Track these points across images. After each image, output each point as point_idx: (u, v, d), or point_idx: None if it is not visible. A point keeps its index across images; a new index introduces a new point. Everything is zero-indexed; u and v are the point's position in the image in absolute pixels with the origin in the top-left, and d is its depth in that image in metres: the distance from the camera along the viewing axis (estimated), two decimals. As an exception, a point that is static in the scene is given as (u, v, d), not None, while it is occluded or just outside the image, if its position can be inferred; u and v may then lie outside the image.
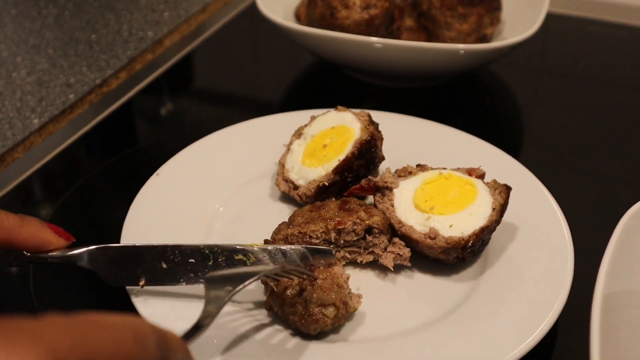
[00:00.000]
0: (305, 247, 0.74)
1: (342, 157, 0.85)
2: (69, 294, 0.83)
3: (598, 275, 0.66)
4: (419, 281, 0.79)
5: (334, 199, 0.83)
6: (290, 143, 0.91)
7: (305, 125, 0.93)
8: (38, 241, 0.67)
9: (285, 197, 0.91)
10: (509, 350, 0.68)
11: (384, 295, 0.77)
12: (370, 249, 0.79)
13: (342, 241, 0.78)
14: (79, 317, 0.39)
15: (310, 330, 0.70)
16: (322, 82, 1.27)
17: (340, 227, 0.77)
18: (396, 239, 0.78)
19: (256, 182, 0.93)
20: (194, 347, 0.57)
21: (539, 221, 0.83)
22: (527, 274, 0.77)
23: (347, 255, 0.79)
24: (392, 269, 0.78)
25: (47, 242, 0.68)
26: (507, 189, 0.80)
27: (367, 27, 1.06)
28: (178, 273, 0.72)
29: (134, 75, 1.24)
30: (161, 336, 0.43)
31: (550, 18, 1.16)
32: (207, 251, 0.73)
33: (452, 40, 1.14)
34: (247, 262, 0.73)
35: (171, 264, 0.73)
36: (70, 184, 1.01)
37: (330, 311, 0.69)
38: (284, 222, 0.80)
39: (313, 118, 0.94)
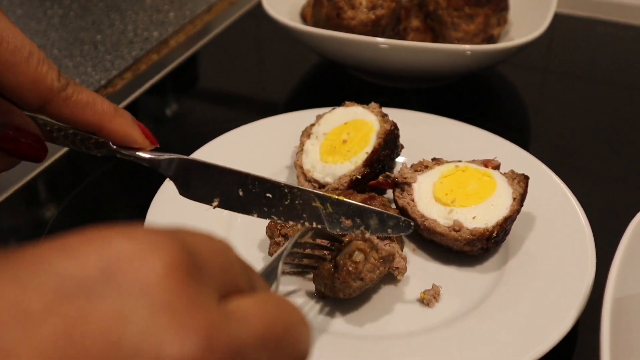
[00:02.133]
0: (383, 212, 0.72)
1: (369, 149, 0.86)
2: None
3: (608, 279, 0.65)
4: (445, 274, 0.79)
5: (368, 193, 0.83)
6: (302, 144, 0.91)
7: (313, 125, 0.93)
8: (126, 135, 0.66)
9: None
10: (537, 345, 0.68)
11: (411, 289, 0.78)
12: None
13: None
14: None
15: (351, 285, 0.70)
16: (327, 82, 1.26)
17: None
18: (400, 252, 0.77)
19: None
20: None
21: (555, 210, 0.84)
22: (549, 263, 0.78)
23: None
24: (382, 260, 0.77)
25: (133, 139, 0.67)
26: (526, 178, 0.81)
27: (374, 28, 1.05)
28: (252, 203, 0.71)
29: (139, 76, 1.23)
30: (244, 261, 0.40)
31: (557, 18, 1.15)
32: (286, 190, 0.71)
33: (459, 41, 1.14)
34: (323, 211, 0.71)
35: (248, 193, 0.71)
36: (76, 184, 1.01)
37: (357, 255, 0.70)
38: None
39: (319, 117, 0.93)
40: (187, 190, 0.72)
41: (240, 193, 0.72)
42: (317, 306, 0.75)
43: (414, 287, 0.78)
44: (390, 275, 0.77)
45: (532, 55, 1.29)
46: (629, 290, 0.67)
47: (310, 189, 0.72)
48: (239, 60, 1.37)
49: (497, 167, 0.84)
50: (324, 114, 0.94)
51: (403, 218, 0.72)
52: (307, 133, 0.92)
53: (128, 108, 1.16)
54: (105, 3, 1.43)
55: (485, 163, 0.84)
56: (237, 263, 0.38)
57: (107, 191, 1.01)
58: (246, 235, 0.84)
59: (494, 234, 0.77)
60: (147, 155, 0.69)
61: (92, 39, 1.31)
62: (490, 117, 1.19)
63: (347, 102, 0.93)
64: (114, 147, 0.67)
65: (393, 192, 0.84)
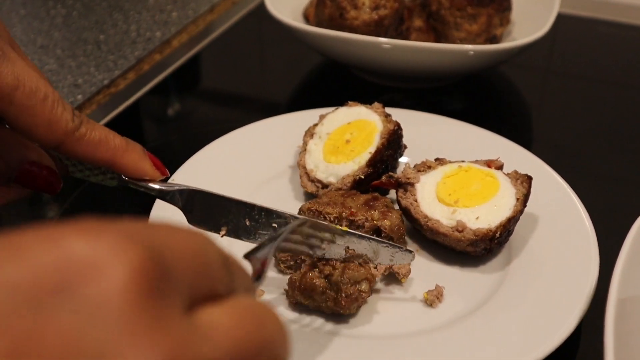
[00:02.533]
0: (388, 243, 0.73)
1: (372, 149, 0.86)
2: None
3: (612, 279, 0.65)
4: (448, 274, 0.79)
5: (371, 193, 0.83)
6: (305, 144, 0.91)
7: (316, 125, 0.93)
8: (137, 169, 0.69)
9: (305, 197, 0.90)
10: (540, 345, 0.68)
11: (414, 290, 0.78)
12: (377, 251, 0.79)
13: None
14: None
15: (352, 309, 0.72)
16: (329, 82, 1.26)
17: (351, 217, 0.78)
18: None
19: (272, 184, 0.92)
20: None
21: (558, 210, 0.84)
22: (552, 263, 0.78)
23: None
24: (381, 277, 0.77)
25: (145, 171, 0.70)
26: (529, 178, 0.81)
27: (377, 28, 1.05)
28: (258, 232, 0.74)
29: (142, 76, 1.23)
30: (218, 247, 0.38)
31: (559, 18, 1.15)
32: (291, 220, 0.73)
33: (462, 41, 1.14)
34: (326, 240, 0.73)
35: (254, 223, 0.74)
36: (78, 185, 1.01)
37: (365, 286, 0.71)
38: (315, 198, 0.83)
39: (322, 117, 0.93)
40: (196, 219, 0.74)
41: (247, 223, 0.74)
42: (321, 306, 0.75)
43: (417, 288, 0.78)
44: (394, 276, 0.78)
45: (534, 55, 1.29)
46: (632, 291, 0.67)
47: (316, 220, 0.74)
48: (242, 60, 1.37)
49: (500, 167, 0.84)
50: (327, 114, 0.94)
51: (405, 249, 0.74)
52: (310, 133, 0.92)
53: (131, 108, 1.16)
54: (109, 3, 1.43)
55: (489, 163, 0.84)
56: (216, 263, 0.35)
57: (110, 192, 1.01)
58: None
59: (497, 235, 0.77)
60: (157, 186, 0.72)
61: (95, 38, 1.31)
62: (492, 117, 1.19)
63: (350, 102, 0.93)
64: (126, 179, 0.70)
65: (396, 193, 0.84)
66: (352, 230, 0.74)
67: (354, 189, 0.85)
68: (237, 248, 0.68)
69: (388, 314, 0.75)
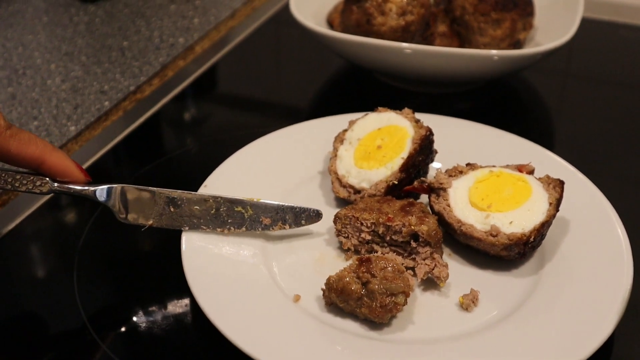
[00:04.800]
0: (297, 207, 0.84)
1: (405, 154, 0.87)
2: (113, 298, 0.84)
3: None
4: (482, 278, 0.80)
5: (406, 199, 0.84)
6: (336, 150, 0.92)
7: (346, 130, 0.93)
8: (64, 168, 0.77)
9: (337, 202, 0.91)
10: (575, 351, 0.69)
11: (448, 293, 0.78)
12: (413, 255, 0.80)
13: (388, 238, 0.80)
14: None
15: (385, 319, 0.73)
16: (351, 87, 1.27)
17: (388, 223, 0.79)
18: (438, 258, 0.78)
19: (302, 190, 0.93)
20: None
21: (589, 214, 0.85)
22: (585, 268, 0.78)
23: (392, 253, 0.81)
24: (420, 281, 0.78)
25: (70, 171, 0.78)
26: (561, 183, 0.82)
27: (403, 34, 1.06)
28: (182, 217, 0.82)
29: (167, 82, 1.24)
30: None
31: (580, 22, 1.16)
32: (211, 200, 0.82)
33: (485, 46, 1.14)
34: (245, 213, 0.83)
35: (178, 209, 0.82)
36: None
37: (401, 298, 0.72)
38: (350, 204, 0.84)
39: (352, 122, 0.94)
40: (124, 215, 0.82)
41: (171, 209, 0.82)
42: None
43: (451, 291, 0.79)
44: (430, 280, 0.78)
45: (554, 59, 1.30)
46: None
47: (229, 196, 0.83)
48: (263, 65, 1.37)
49: (531, 172, 0.85)
50: (356, 119, 0.94)
51: (313, 209, 0.83)
52: (340, 139, 0.93)
53: (157, 114, 1.17)
54: (130, 9, 1.44)
55: (520, 168, 0.85)
56: None
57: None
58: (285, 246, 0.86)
59: (531, 239, 0.78)
60: (82, 187, 0.80)
61: (119, 45, 1.32)
62: (514, 121, 1.19)
63: (380, 108, 0.94)
64: (55, 184, 0.78)
65: (429, 198, 0.85)
66: (262, 200, 0.82)
67: (387, 194, 0.85)
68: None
69: (424, 318, 0.76)
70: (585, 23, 1.36)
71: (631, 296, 0.74)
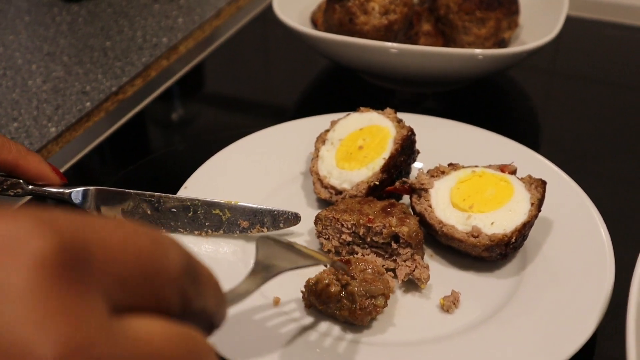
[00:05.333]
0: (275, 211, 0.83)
1: (386, 155, 0.86)
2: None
3: (632, 283, 0.65)
4: (463, 280, 0.79)
5: (387, 200, 0.83)
6: (317, 150, 0.91)
7: (327, 131, 0.93)
8: (38, 171, 0.76)
9: (318, 203, 0.90)
10: (557, 352, 0.68)
11: (429, 295, 0.78)
12: (393, 257, 0.79)
13: (369, 239, 0.79)
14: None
15: (365, 322, 0.72)
16: (336, 86, 1.26)
17: (369, 224, 0.78)
18: (419, 259, 0.77)
19: (285, 191, 0.92)
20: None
21: (572, 214, 0.84)
22: (567, 268, 0.78)
23: (372, 255, 0.80)
24: (401, 282, 0.77)
25: (45, 174, 0.76)
26: (543, 183, 0.81)
27: (386, 33, 1.05)
28: (160, 220, 0.81)
29: (150, 82, 1.23)
30: (190, 257, 0.35)
31: (564, 20, 1.15)
32: (188, 203, 0.82)
33: (470, 45, 1.13)
34: (223, 216, 0.82)
35: (155, 211, 0.81)
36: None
37: (381, 301, 0.71)
38: (331, 205, 0.83)
39: (334, 122, 0.93)
40: None
41: (148, 212, 0.81)
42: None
43: (432, 293, 0.78)
44: (411, 282, 0.78)
45: (540, 58, 1.29)
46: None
47: (207, 199, 0.82)
48: (248, 65, 1.36)
49: (513, 172, 0.84)
50: (338, 119, 0.94)
51: (291, 212, 0.83)
52: (322, 139, 0.92)
53: (139, 115, 1.16)
54: (114, 9, 1.43)
55: (502, 168, 0.84)
56: (174, 271, 0.33)
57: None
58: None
59: (513, 240, 0.77)
60: (58, 190, 0.78)
61: (101, 45, 1.30)
62: (499, 120, 1.18)
63: (361, 108, 0.93)
64: (29, 187, 0.76)
65: (410, 198, 0.84)
66: (240, 203, 0.82)
67: (369, 195, 0.84)
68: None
69: (404, 321, 0.75)
70: (571, 22, 1.35)
71: (613, 296, 0.74)
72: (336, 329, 0.74)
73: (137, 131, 1.17)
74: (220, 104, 1.29)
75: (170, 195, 0.82)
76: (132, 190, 0.81)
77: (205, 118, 1.25)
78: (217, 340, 0.69)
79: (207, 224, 0.82)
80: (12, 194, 0.77)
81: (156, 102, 1.20)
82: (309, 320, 0.74)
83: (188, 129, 1.22)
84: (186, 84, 1.28)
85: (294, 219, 0.83)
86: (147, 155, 1.09)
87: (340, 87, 1.25)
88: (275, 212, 0.83)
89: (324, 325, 0.74)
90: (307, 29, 1.11)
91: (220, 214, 0.82)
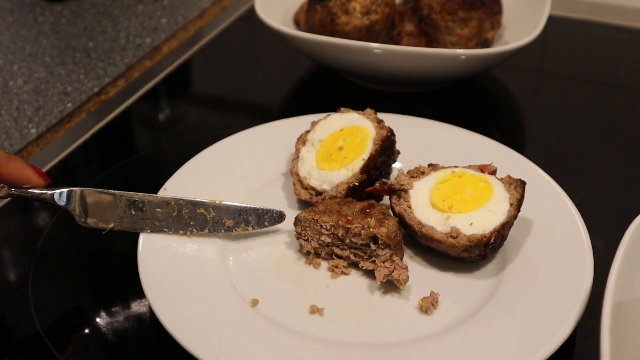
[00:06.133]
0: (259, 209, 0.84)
1: (366, 155, 0.85)
2: (67, 300, 0.82)
3: (607, 283, 0.65)
4: (443, 280, 0.79)
5: (367, 201, 0.83)
6: (298, 151, 0.90)
7: (308, 132, 0.92)
8: (21, 176, 0.76)
9: (299, 204, 0.90)
10: (537, 351, 0.68)
11: (409, 296, 0.77)
12: (372, 258, 0.78)
13: (348, 240, 0.79)
14: None
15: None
16: (321, 87, 1.26)
17: (347, 225, 0.78)
18: (398, 260, 0.77)
19: (265, 192, 0.92)
20: None
21: (552, 214, 0.84)
22: (547, 268, 0.78)
23: (352, 256, 0.80)
24: (380, 284, 0.77)
25: (28, 178, 0.76)
26: (522, 183, 0.81)
27: (368, 33, 1.05)
28: (144, 220, 0.81)
29: (132, 83, 1.23)
30: None
31: (549, 20, 1.15)
32: (172, 202, 0.82)
33: (453, 45, 1.13)
34: (207, 215, 0.82)
35: (139, 211, 0.81)
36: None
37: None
38: (311, 207, 0.84)
39: (314, 123, 0.93)
40: (84, 218, 0.80)
41: (133, 212, 0.81)
42: (316, 315, 0.75)
43: (412, 294, 0.78)
44: (390, 283, 0.77)
45: (526, 57, 1.29)
46: (628, 295, 0.67)
47: (191, 198, 0.82)
48: (233, 65, 1.36)
49: (493, 172, 0.84)
50: (319, 120, 0.93)
51: (276, 210, 0.83)
52: (302, 140, 0.92)
53: (121, 116, 1.15)
54: (97, 9, 1.42)
55: (482, 168, 0.84)
56: None
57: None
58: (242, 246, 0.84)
59: (492, 240, 0.77)
60: (41, 191, 0.78)
61: (84, 46, 1.30)
62: (485, 120, 1.18)
63: (342, 109, 0.93)
64: (12, 189, 0.76)
65: (390, 199, 0.84)
66: (225, 202, 0.82)
67: (348, 196, 0.84)
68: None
69: (382, 322, 0.75)
70: (556, 21, 1.36)
71: (592, 295, 0.73)
72: (315, 331, 0.73)
73: (120, 132, 1.16)
74: (204, 104, 1.29)
75: (154, 195, 0.82)
76: (116, 191, 0.81)
77: (190, 118, 1.24)
78: (195, 344, 0.68)
79: (191, 223, 0.82)
80: None
81: (140, 103, 1.19)
82: (287, 322, 0.74)
83: (172, 129, 1.22)
84: (170, 84, 1.27)
85: (279, 217, 0.83)
86: (130, 156, 1.08)
87: (324, 88, 1.25)
88: (260, 211, 0.83)
89: (303, 327, 0.74)
90: (289, 29, 1.11)
91: (205, 213, 0.82)
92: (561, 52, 1.37)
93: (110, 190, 0.81)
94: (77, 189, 0.79)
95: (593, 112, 1.19)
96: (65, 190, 0.79)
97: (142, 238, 0.80)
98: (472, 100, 1.22)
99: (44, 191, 0.78)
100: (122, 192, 0.81)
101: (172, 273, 0.77)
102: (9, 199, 0.88)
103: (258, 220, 0.83)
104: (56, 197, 0.78)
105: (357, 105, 0.94)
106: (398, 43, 1.13)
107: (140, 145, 1.19)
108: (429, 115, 1.02)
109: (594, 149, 1.10)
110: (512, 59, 1.12)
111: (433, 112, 1.15)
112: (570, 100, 1.23)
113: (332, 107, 0.97)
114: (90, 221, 0.80)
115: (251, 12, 1.45)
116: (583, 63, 1.34)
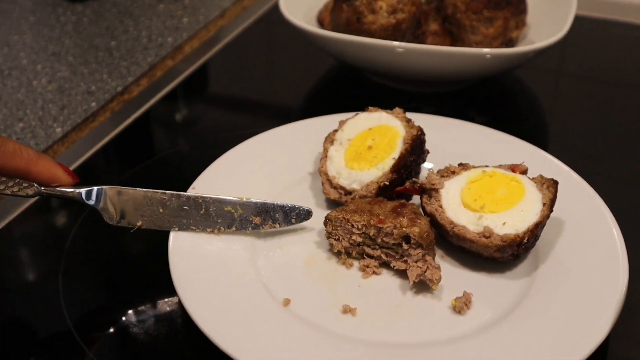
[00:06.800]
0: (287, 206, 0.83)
1: (396, 154, 0.85)
2: (100, 302, 0.82)
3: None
4: (475, 280, 0.79)
5: (398, 200, 0.82)
6: (326, 150, 0.90)
7: (336, 131, 0.92)
8: (51, 175, 0.76)
9: (327, 204, 0.90)
10: (571, 354, 0.67)
11: (441, 296, 0.77)
12: (404, 257, 0.78)
13: (379, 240, 0.79)
14: None
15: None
16: (342, 87, 1.26)
17: (379, 225, 0.77)
18: (430, 260, 0.77)
19: (293, 191, 0.91)
20: None
21: (583, 214, 0.83)
22: (579, 269, 0.77)
23: (383, 256, 0.80)
24: (412, 283, 0.77)
25: (57, 177, 0.77)
26: (555, 183, 0.80)
27: (394, 32, 1.05)
28: (172, 218, 0.81)
29: (155, 82, 1.23)
30: None
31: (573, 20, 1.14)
32: (200, 200, 0.81)
33: (478, 45, 1.13)
34: (235, 213, 0.82)
35: (167, 209, 0.81)
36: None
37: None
38: (341, 206, 0.83)
39: (342, 122, 0.93)
40: (112, 216, 0.81)
41: (161, 210, 0.81)
42: (348, 315, 0.75)
43: (444, 294, 0.77)
44: (422, 283, 0.77)
45: (547, 57, 1.28)
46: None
47: (219, 196, 0.82)
48: (253, 65, 1.36)
49: (524, 171, 0.83)
50: (346, 119, 0.93)
51: (303, 207, 0.83)
52: (330, 139, 0.92)
53: (145, 115, 1.16)
54: (118, 9, 1.42)
55: (513, 168, 0.84)
56: None
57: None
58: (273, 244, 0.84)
59: (525, 240, 0.76)
60: (71, 189, 0.78)
61: (106, 45, 1.30)
62: (507, 119, 1.18)
63: (370, 108, 0.92)
64: (41, 187, 0.76)
65: (420, 199, 0.83)
66: (252, 199, 0.82)
67: (378, 195, 0.84)
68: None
69: (416, 322, 0.74)
70: (579, 21, 1.35)
71: (627, 297, 0.73)
72: (347, 331, 0.73)
73: (142, 132, 1.16)
74: (225, 104, 1.29)
75: (182, 193, 0.82)
76: (144, 189, 0.81)
77: (210, 118, 1.24)
78: (228, 343, 0.68)
79: (219, 220, 0.82)
80: (23, 194, 0.76)
81: (160, 103, 1.20)
82: (319, 321, 0.74)
83: (193, 129, 1.22)
84: (191, 84, 1.27)
85: (306, 214, 0.83)
86: (153, 156, 1.08)
87: (346, 87, 1.24)
88: (287, 208, 0.83)
89: (335, 327, 0.73)
90: (314, 28, 1.11)
91: (232, 210, 0.82)
92: (583, 52, 1.37)
93: (137, 189, 0.81)
94: (106, 187, 0.80)
95: (616, 112, 1.19)
96: (95, 188, 0.79)
97: (172, 236, 0.80)
98: (493, 100, 1.21)
99: (73, 190, 0.78)
100: (149, 190, 0.81)
101: (203, 272, 0.77)
102: (35, 198, 0.88)
103: (285, 217, 0.83)
104: (85, 195, 0.78)
105: (379, 104, 0.93)
106: (422, 42, 1.13)
107: (163, 145, 1.20)
108: (450, 115, 1.01)
109: (618, 149, 1.09)
110: (534, 59, 1.11)
111: (455, 111, 1.14)
112: (593, 101, 1.22)
113: (352, 106, 0.97)
114: (119, 219, 0.81)
115: (271, 12, 1.45)
116: (605, 63, 1.33)
